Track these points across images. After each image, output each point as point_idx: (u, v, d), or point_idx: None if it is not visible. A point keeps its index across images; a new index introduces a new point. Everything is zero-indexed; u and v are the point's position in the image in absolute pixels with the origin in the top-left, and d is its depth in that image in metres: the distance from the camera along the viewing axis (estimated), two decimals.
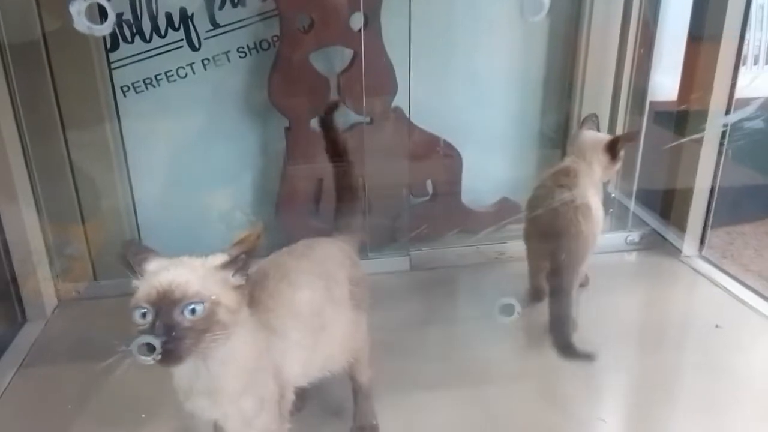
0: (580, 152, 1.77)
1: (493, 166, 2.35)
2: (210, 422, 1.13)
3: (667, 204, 2.23)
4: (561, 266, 1.64)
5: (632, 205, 2.31)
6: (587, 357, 1.53)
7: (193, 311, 0.89)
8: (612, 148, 1.75)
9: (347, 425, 1.38)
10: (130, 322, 0.92)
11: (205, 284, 0.92)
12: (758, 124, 2.10)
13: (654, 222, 2.28)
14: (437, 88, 2.17)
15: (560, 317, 1.63)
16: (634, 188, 2.30)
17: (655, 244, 2.23)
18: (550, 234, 1.66)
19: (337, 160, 1.43)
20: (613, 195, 2.35)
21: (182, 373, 0.99)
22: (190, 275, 0.92)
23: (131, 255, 0.94)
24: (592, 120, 1.85)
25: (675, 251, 2.17)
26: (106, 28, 1.27)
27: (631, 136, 2.02)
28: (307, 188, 2.09)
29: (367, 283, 1.32)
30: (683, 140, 2.06)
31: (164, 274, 0.92)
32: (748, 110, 1.93)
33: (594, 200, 1.70)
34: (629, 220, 2.30)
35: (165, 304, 0.88)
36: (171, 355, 0.88)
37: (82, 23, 1.14)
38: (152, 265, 0.94)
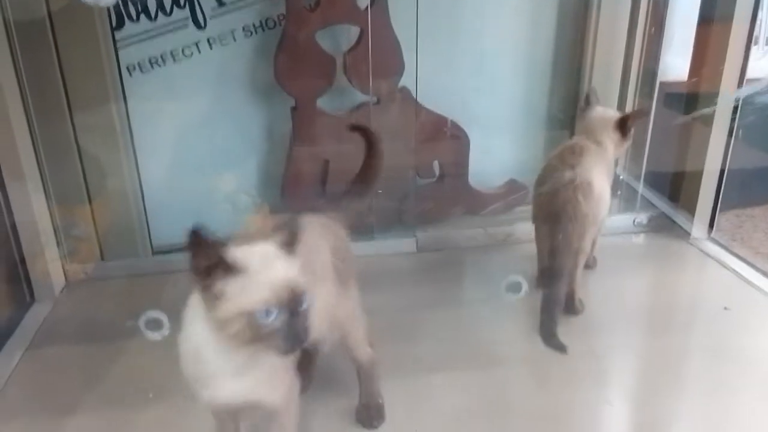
0: (589, 130, 1.75)
1: (500, 147, 2.33)
2: (220, 409, 1.10)
3: (675, 186, 2.22)
4: (557, 247, 1.63)
5: (641, 187, 2.29)
6: (561, 348, 1.58)
7: (305, 303, 0.91)
8: (623, 125, 1.73)
9: (354, 404, 1.38)
10: (245, 326, 0.87)
11: (301, 274, 0.92)
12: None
13: (662, 204, 2.26)
14: (444, 68, 2.15)
15: (551, 299, 1.64)
16: (643, 170, 2.29)
17: (663, 227, 2.21)
18: (551, 214, 1.65)
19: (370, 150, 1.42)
20: (621, 177, 2.33)
21: (212, 358, 0.95)
22: (292, 268, 0.92)
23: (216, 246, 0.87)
24: (594, 94, 1.82)
25: (684, 234, 2.16)
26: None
27: (642, 113, 2.01)
28: (313, 169, 2.08)
29: (352, 260, 1.31)
30: (695, 114, 2.03)
31: (275, 270, 0.90)
32: (761, 84, 1.91)
33: (598, 179, 1.67)
34: (638, 203, 2.28)
35: (293, 302, 0.89)
36: (303, 344, 0.90)
37: None
38: (234, 255, 0.89)
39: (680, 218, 2.19)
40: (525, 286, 1.69)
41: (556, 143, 1.97)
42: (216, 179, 2.10)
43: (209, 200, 2.08)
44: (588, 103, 1.81)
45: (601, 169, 1.71)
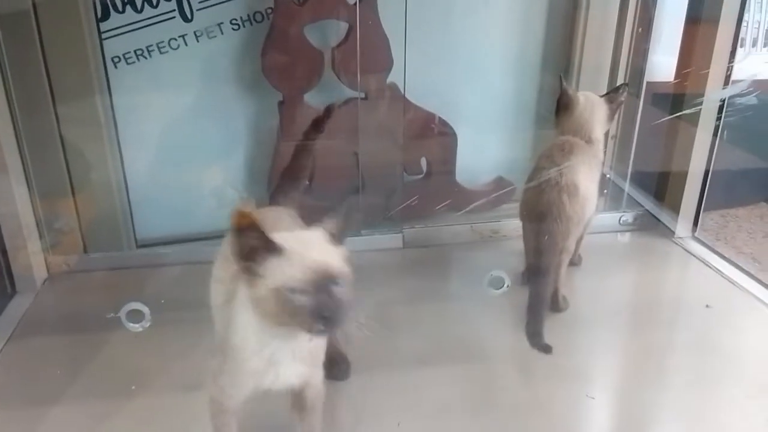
0: (578, 126, 1.75)
1: (489, 144, 2.34)
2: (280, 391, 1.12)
3: (661, 186, 2.23)
4: (543, 247, 1.64)
5: (627, 186, 2.30)
6: (545, 349, 1.57)
7: (338, 286, 0.94)
8: (614, 92, 1.79)
9: None
10: (276, 302, 0.91)
11: (342, 260, 0.96)
12: (753, 110, 2.10)
13: (648, 204, 2.27)
14: (433, 65, 2.15)
15: (537, 299, 1.64)
16: (629, 170, 2.30)
17: (648, 225, 2.23)
18: (537, 214, 1.66)
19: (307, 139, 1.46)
20: (608, 176, 2.34)
21: (274, 345, 1.01)
22: (331, 252, 0.96)
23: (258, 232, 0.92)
24: (565, 80, 1.81)
25: (668, 232, 2.17)
26: None
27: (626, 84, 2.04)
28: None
29: None
30: (680, 113, 2.05)
31: (311, 252, 0.94)
32: (742, 85, 1.93)
33: (584, 179, 1.67)
34: (624, 201, 2.30)
35: (323, 282, 0.92)
36: (336, 326, 0.94)
37: None
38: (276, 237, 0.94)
39: (665, 217, 2.21)
40: (507, 281, 1.70)
41: (544, 141, 1.98)
42: (202, 173, 2.09)
43: (195, 194, 2.07)
44: (567, 100, 1.77)
45: (588, 169, 1.72)
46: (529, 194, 1.72)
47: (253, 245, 0.91)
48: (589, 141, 1.75)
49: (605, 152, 1.92)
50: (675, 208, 2.16)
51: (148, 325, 0.90)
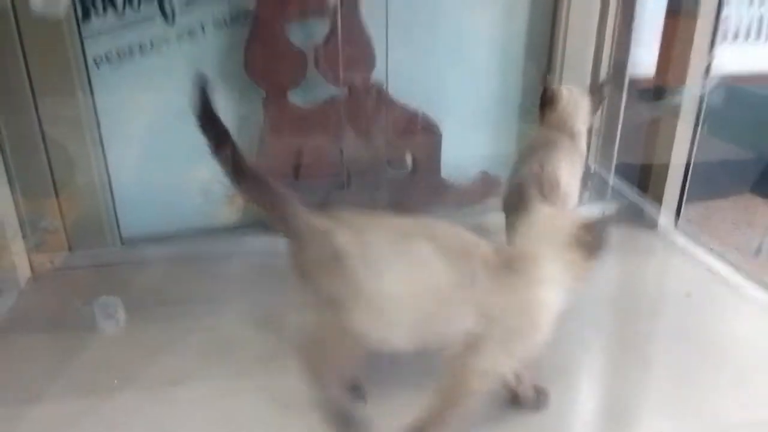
0: (561, 121, 1.75)
1: (473, 140, 2.34)
2: None
3: (644, 177, 2.25)
4: None
5: (611, 178, 2.32)
6: None
7: None
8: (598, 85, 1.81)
9: None
10: None
11: None
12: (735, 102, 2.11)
13: (632, 195, 2.29)
14: (417, 62, 2.16)
15: None
16: (613, 162, 2.32)
17: (631, 217, 2.24)
18: (516, 207, 1.66)
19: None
20: (593, 168, 2.36)
21: None
22: None
23: None
24: (549, 76, 1.82)
25: (651, 223, 2.19)
26: None
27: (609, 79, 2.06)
28: (285, 162, 2.07)
29: None
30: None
31: None
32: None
33: (565, 175, 1.67)
34: (608, 193, 2.31)
35: None
36: None
37: None
38: None
39: (649, 208, 2.23)
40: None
41: (529, 136, 1.99)
42: (186, 171, 2.08)
43: (180, 192, 2.06)
44: (551, 95, 1.78)
45: (570, 164, 1.72)
46: (511, 188, 1.73)
47: None
48: (571, 135, 1.76)
49: (589, 145, 1.94)
50: (658, 200, 2.19)
51: (122, 320, 0.89)
